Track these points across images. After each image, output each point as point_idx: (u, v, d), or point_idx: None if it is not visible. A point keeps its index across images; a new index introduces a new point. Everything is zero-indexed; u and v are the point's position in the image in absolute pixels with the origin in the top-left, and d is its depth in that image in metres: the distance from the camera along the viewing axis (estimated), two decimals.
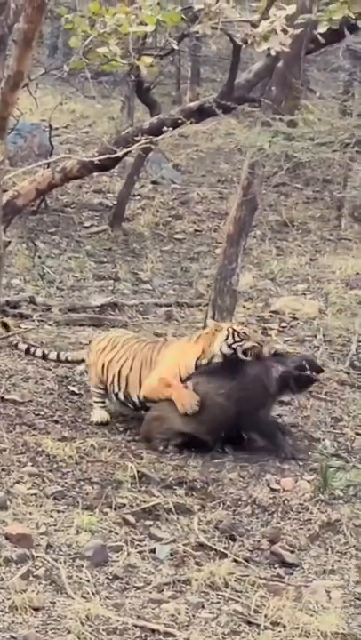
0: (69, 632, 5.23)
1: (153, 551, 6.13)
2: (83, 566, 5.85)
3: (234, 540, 6.37)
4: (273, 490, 7.04)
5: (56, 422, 7.78)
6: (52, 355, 8.57)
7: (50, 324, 9.97)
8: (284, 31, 6.67)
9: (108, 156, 8.86)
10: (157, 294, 11.36)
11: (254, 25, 7.08)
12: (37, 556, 5.86)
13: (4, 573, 5.68)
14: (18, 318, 10.01)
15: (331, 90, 19.08)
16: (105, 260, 12.33)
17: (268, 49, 6.89)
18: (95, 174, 13.67)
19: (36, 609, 5.39)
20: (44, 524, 6.23)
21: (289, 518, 6.72)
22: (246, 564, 6.11)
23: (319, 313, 10.84)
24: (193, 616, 5.53)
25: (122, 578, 5.83)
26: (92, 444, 7.35)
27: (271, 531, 6.53)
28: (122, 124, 15.86)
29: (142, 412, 7.92)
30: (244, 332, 7.69)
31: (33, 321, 9.98)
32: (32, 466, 6.95)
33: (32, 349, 8.64)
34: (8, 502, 6.37)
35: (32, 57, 7.15)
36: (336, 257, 12.83)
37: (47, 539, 6.07)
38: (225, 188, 15.34)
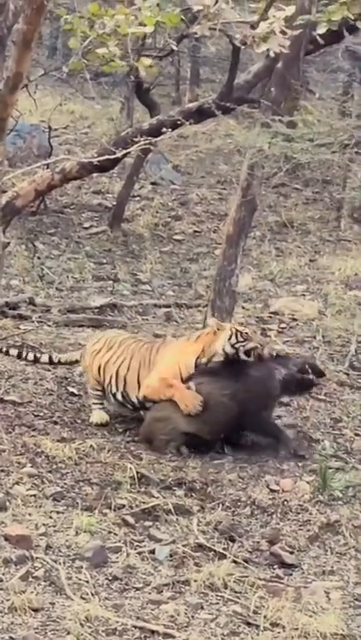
0: (69, 633, 5.23)
1: (152, 552, 6.14)
2: (82, 567, 5.85)
3: (233, 540, 6.37)
4: (272, 491, 7.04)
5: (55, 423, 7.78)
6: (45, 357, 8.57)
7: (49, 325, 9.98)
8: (284, 32, 6.67)
9: (107, 156, 8.85)
10: (157, 295, 11.36)
11: (253, 26, 7.09)
12: (37, 557, 5.86)
13: (3, 574, 5.68)
14: (17, 319, 10.01)
15: (330, 91, 19.08)
16: (104, 260, 12.33)
17: (268, 50, 6.89)
18: (94, 175, 13.67)
19: (36, 610, 5.39)
20: (44, 524, 6.23)
21: (288, 519, 6.73)
22: (246, 564, 6.12)
23: (318, 314, 10.84)
24: (192, 617, 5.53)
25: (121, 579, 5.83)
26: (91, 445, 7.35)
27: (270, 532, 6.53)
28: (121, 125, 15.85)
29: (141, 412, 7.93)
30: (246, 333, 7.71)
31: (32, 322, 9.98)
32: (31, 467, 6.95)
33: (23, 354, 8.62)
34: (7, 503, 6.37)
35: (31, 58, 7.15)
36: (335, 258, 12.83)
37: (46, 540, 6.07)
38: (224, 188, 15.33)
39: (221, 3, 6.69)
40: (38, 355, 8.63)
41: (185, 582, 5.86)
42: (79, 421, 7.91)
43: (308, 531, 6.58)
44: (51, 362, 8.54)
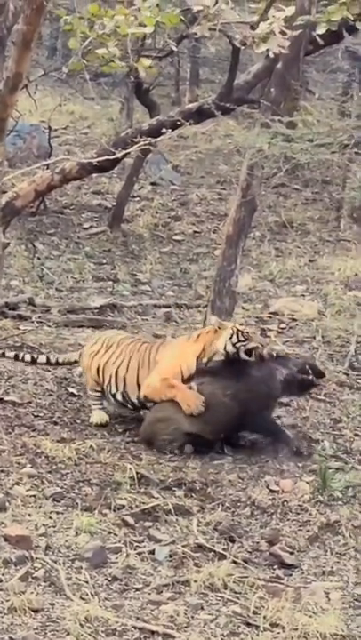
0: (68, 633, 5.23)
1: (152, 552, 6.14)
2: (82, 568, 5.85)
3: (233, 541, 6.38)
4: (272, 491, 7.04)
5: (55, 424, 7.78)
6: (42, 358, 8.53)
7: (49, 326, 9.98)
8: (283, 33, 6.67)
9: (107, 157, 8.85)
10: (156, 295, 11.36)
11: (253, 26, 7.09)
12: (36, 558, 5.86)
13: (2, 575, 5.67)
14: (17, 320, 10.01)
15: (330, 91, 19.09)
16: (104, 261, 12.33)
17: (267, 50, 6.89)
18: (94, 175, 13.68)
19: (35, 610, 5.39)
20: (43, 525, 6.23)
21: (288, 519, 6.73)
22: (245, 565, 6.12)
23: (318, 314, 10.85)
24: (192, 617, 5.53)
25: (121, 579, 5.83)
26: (91, 446, 7.35)
27: (270, 532, 6.53)
28: (121, 126, 15.86)
29: (141, 412, 7.93)
30: (247, 332, 7.73)
31: (32, 322, 9.98)
32: (31, 467, 6.95)
33: (20, 355, 8.59)
34: (7, 504, 6.37)
35: (31, 58, 7.15)
36: (335, 258, 12.83)
37: (46, 540, 6.07)
38: (224, 189, 15.34)
39: (221, 3, 6.69)
40: (35, 356, 8.60)
41: (185, 583, 5.86)
42: (79, 422, 7.91)
43: (308, 531, 6.58)
44: (48, 362, 8.52)
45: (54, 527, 6.24)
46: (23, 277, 11.36)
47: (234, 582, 5.88)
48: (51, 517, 6.34)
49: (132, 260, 12.46)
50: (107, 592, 5.70)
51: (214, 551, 6.21)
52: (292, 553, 6.32)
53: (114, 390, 7.94)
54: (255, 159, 8.64)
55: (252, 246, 12.77)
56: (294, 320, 10.65)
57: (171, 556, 6.11)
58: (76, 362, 8.38)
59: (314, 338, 10.15)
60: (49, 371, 8.65)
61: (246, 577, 5.95)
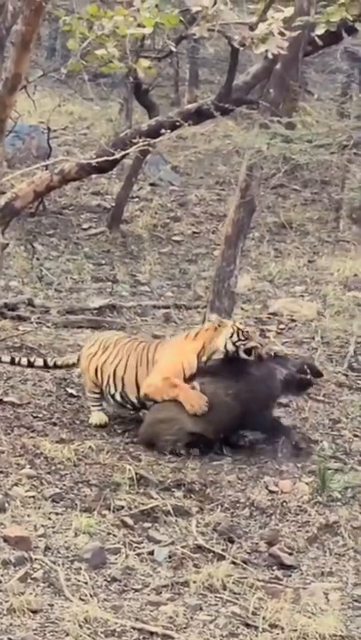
0: (67, 634, 5.23)
1: (151, 553, 6.13)
2: (81, 568, 5.85)
3: (232, 542, 6.37)
4: (271, 492, 7.04)
5: (54, 424, 7.78)
6: (39, 361, 8.46)
7: (48, 326, 9.98)
8: (282, 33, 6.66)
9: (106, 158, 8.84)
10: (156, 296, 11.36)
11: (252, 27, 7.08)
12: (35, 559, 5.86)
13: (2, 576, 5.67)
14: (16, 320, 10.00)
15: (329, 92, 19.08)
16: (103, 261, 12.33)
17: (266, 51, 6.88)
18: (93, 176, 13.67)
19: (34, 611, 5.39)
20: (43, 526, 6.23)
21: (287, 520, 6.73)
22: (244, 566, 6.12)
23: (317, 315, 10.85)
24: (191, 618, 5.53)
25: (120, 580, 5.83)
26: (90, 447, 7.35)
27: (269, 533, 6.53)
28: (120, 126, 15.85)
29: (141, 412, 7.92)
30: (247, 331, 7.74)
31: (31, 323, 9.98)
32: (30, 468, 6.94)
33: (17, 359, 8.49)
34: (6, 505, 6.37)
35: (30, 59, 7.16)
36: (334, 259, 12.83)
37: (45, 541, 6.07)
38: (223, 189, 15.34)
39: (220, 4, 6.68)
40: (32, 359, 8.51)
41: (184, 583, 5.86)
42: (78, 422, 7.90)
43: (307, 532, 6.58)
44: (46, 366, 8.46)
45: (53, 528, 6.24)
46: (22, 278, 11.36)
47: (233, 583, 5.88)
48: (50, 518, 6.34)
49: (132, 260, 12.46)
50: (106, 593, 5.70)
51: (213, 552, 6.21)
52: (291, 554, 6.32)
53: (112, 391, 7.93)
54: (254, 160, 8.64)
55: (251, 247, 12.77)
56: (293, 321, 10.65)
57: (170, 557, 6.11)
58: (74, 364, 8.36)
59: (313, 338, 10.15)
60: (48, 371, 8.65)
61: (245, 578, 5.95)
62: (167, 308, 10.83)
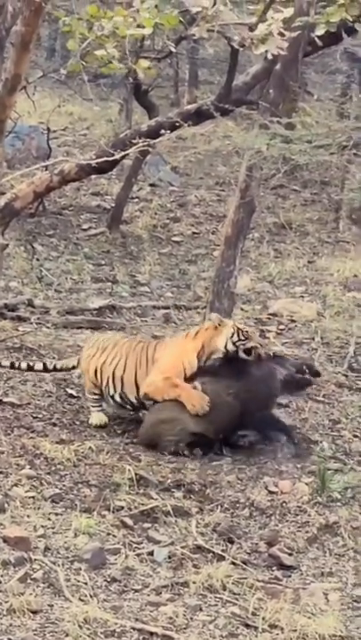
0: (67, 635, 5.23)
1: (151, 554, 6.13)
2: (81, 569, 5.85)
3: (232, 542, 6.37)
4: (271, 492, 7.04)
5: (54, 425, 7.78)
6: (39, 365, 8.42)
7: (48, 327, 9.98)
8: (282, 34, 6.66)
9: (105, 158, 8.83)
10: (155, 297, 11.37)
11: (252, 28, 7.07)
12: (35, 559, 5.86)
13: (1, 576, 5.67)
14: (16, 321, 10.00)
15: (328, 92, 19.07)
16: (103, 262, 12.33)
17: (266, 52, 6.88)
18: (93, 177, 13.67)
19: (34, 612, 5.39)
20: (42, 526, 6.23)
21: (287, 521, 6.73)
22: (244, 566, 6.12)
23: (317, 315, 10.85)
24: (191, 619, 5.53)
25: (120, 580, 5.83)
26: (90, 447, 7.35)
27: (269, 533, 6.53)
28: (120, 127, 15.86)
29: (141, 412, 7.92)
30: (246, 331, 7.75)
31: (31, 323, 9.98)
32: (30, 468, 6.94)
33: (16, 363, 8.46)
34: (6, 505, 6.37)
35: (30, 60, 7.15)
36: (334, 259, 12.83)
37: (45, 541, 6.07)
38: (223, 190, 15.34)
39: (220, 4, 6.68)
40: (32, 363, 8.48)
41: (184, 584, 5.86)
42: (78, 423, 7.90)
43: (307, 532, 6.58)
44: (45, 369, 8.42)
45: (53, 528, 6.24)
46: (22, 279, 11.36)
47: (233, 583, 5.88)
48: (50, 519, 6.34)
49: (131, 261, 12.46)
50: (106, 593, 5.70)
51: (213, 552, 6.21)
52: (290, 554, 6.32)
53: (112, 392, 7.93)
54: (254, 160, 8.64)
55: (250, 247, 12.77)
56: (293, 321, 10.66)
57: (170, 558, 6.11)
58: (74, 367, 8.33)
59: (313, 339, 10.16)
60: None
61: (245, 578, 5.95)
62: (167, 308, 10.83)
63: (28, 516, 6.31)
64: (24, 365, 8.43)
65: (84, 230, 13.35)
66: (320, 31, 8.54)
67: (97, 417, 7.93)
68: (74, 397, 8.32)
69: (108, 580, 5.83)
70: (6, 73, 6.91)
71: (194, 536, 6.35)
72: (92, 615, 5.36)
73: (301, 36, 8.52)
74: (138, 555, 6.11)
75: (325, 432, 8.13)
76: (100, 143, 11.40)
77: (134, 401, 7.89)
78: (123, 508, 6.60)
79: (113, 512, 6.53)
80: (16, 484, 6.69)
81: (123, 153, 8.30)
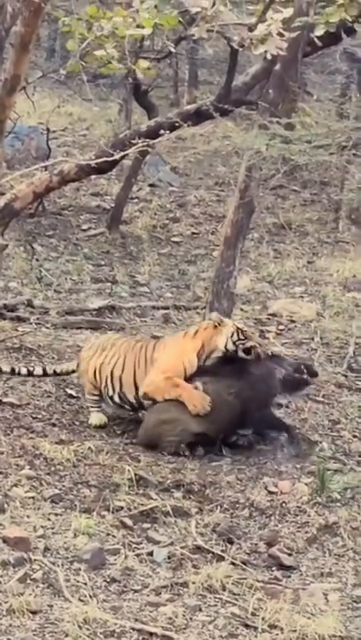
0: (67, 635, 5.23)
1: (150, 554, 6.14)
2: (80, 569, 5.85)
3: (231, 542, 6.37)
4: (270, 492, 7.04)
5: (54, 425, 7.78)
6: (38, 370, 8.33)
7: (47, 327, 9.97)
8: (281, 34, 6.67)
9: (105, 159, 8.83)
10: (155, 297, 11.37)
11: (251, 28, 7.08)
12: (35, 560, 5.86)
13: (1, 577, 5.67)
14: (15, 321, 10.00)
15: (328, 92, 19.07)
16: (102, 262, 12.33)
17: (265, 52, 6.89)
18: (93, 177, 13.66)
19: (34, 612, 5.39)
20: (42, 527, 6.23)
21: (286, 521, 6.73)
22: (244, 566, 6.12)
23: (317, 315, 10.85)
24: (190, 619, 5.53)
25: (119, 581, 5.83)
26: (89, 447, 7.35)
27: (269, 533, 6.53)
28: (119, 127, 15.85)
29: (140, 413, 7.91)
30: (246, 331, 7.77)
31: (30, 324, 9.98)
32: (30, 469, 6.94)
33: (16, 369, 8.34)
34: (5, 505, 6.37)
35: (29, 60, 7.16)
36: (334, 259, 12.84)
37: (45, 542, 6.07)
38: (222, 190, 15.34)
39: (219, 5, 6.69)
40: (32, 368, 8.39)
41: (183, 584, 5.86)
42: (77, 423, 7.90)
43: (307, 532, 6.58)
44: (45, 374, 8.35)
45: (53, 529, 6.24)
46: (22, 279, 11.36)
47: (232, 584, 5.88)
48: (49, 519, 6.34)
49: (131, 261, 12.46)
50: (105, 594, 5.70)
51: (213, 553, 6.21)
52: (290, 554, 6.32)
53: (111, 392, 7.93)
54: (253, 160, 8.64)
55: (250, 248, 12.77)
56: (293, 321, 10.66)
57: (169, 558, 6.11)
58: (73, 371, 8.29)
59: (312, 339, 10.16)
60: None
61: (245, 578, 5.95)
62: (166, 308, 10.83)
63: (27, 517, 6.31)
64: (24, 371, 8.33)
65: (84, 231, 13.35)
66: (319, 31, 8.54)
67: (96, 417, 7.93)
68: (73, 398, 8.32)
69: (108, 580, 5.83)
70: (6, 73, 6.92)
71: (193, 536, 6.35)
72: (91, 615, 5.36)
73: (301, 37, 8.52)
74: (137, 555, 6.11)
75: (325, 432, 8.13)
76: (99, 143, 11.40)
77: (133, 401, 7.88)
78: (122, 508, 6.60)
79: (112, 512, 6.53)
80: (16, 485, 6.69)
81: (122, 153, 8.30)
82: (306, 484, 7.12)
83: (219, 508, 6.79)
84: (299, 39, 8.43)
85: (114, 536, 6.27)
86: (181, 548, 6.20)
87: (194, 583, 5.84)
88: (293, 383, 7.90)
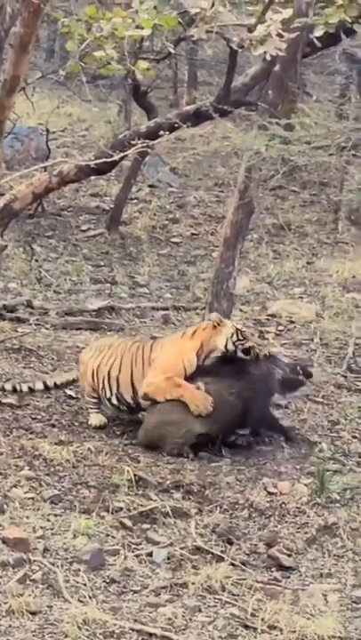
0: (66, 636, 5.23)
1: (150, 555, 6.14)
2: (80, 570, 5.85)
3: (231, 543, 6.38)
4: (270, 493, 7.04)
5: (53, 426, 7.77)
6: (39, 385, 8.17)
7: (47, 328, 9.98)
8: (281, 35, 6.67)
9: (104, 159, 8.83)
10: (154, 298, 11.37)
11: (251, 29, 7.08)
12: (34, 560, 5.86)
13: (0, 577, 5.68)
14: (15, 322, 10.00)
15: (327, 93, 19.08)
16: (102, 263, 12.33)
17: (265, 53, 6.90)
18: (92, 178, 13.64)
19: (33, 613, 5.39)
20: (41, 527, 6.23)
21: (286, 522, 6.73)
22: (243, 567, 6.12)
23: (316, 316, 10.85)
24: (190, 620, 5.53)
25: (119, 581, 5.83)
26: (89, 448, 7.35)
27: (268, 534, 6.53)
28: (119, 128, 15.84)
29: (139, 414, 7.90)
30: (245, 332, 7.80)
31: (30, 325, 9.98)
32: (29, 470, 6.94)
33: (18, 387, 8.16)
34: (5, 506, 6.37)
35: (28, 61, 7.16)
36: (333, 260, 12.84)
37: (44, 542, 6.07)
38: (222, 191, 15.34)
39: (218, 5, 6.69)
40: (32, 385, 8.20)
41: (183, 585, 5.86)
42: (77, 424, 7.90)
43: (306, 533, 6.58)
44: (46, 387, 8.20)
45: (52, 530, 6.24)
46: (21, 280, 11.36)
47: (232, 584, 5.88)
48: (49, 520, 6.34)
49: (130, 262, 12.46)
50: (105, 594, 5.70)
51: (212, 553, 6.21)
52: (290, 555, 6.32)
53: (108, 394, 7.92)
54: (253, 161, 8.64)
55: (249, 248, 12.77)
56: (292, 322, 10.66)
57: (169, 559, 6.11)
58: (74, 380, 8.23)
59: (312, 340, 10.16)
60: (47, 373, 8.65)
61: (244, 579, 5.95)
62: (166, 309, 10.84)
63: (27, 517, 6.31)
64: (25, 387, 8.16)
65: (83, 231, 13.35)
66: (319, 32, 8.56)
67: (96, 418, 7.93)
68: (73, 398, 8.32)
69: (107, 581, 5.83)
70: (5, 74, 6.92)
71: (193, 537, 6.35)
72: (91, 616, 5.36)
73: (300, 37, 8.53)
74: (137, 556, 6.11)
75: (324, 433, 8.13)
76: (99, 144, 11.41)
77: (131, 402, 7.87)
78: (122, 509, 6.60)
79: (112, 513, 6.53)
80: (15, 485, 6.69)
81: (122, 154, 8.30)
82: (305, 485, 7.12)
83: (218, 508, 6.79)
84: (298, 40, 8.43)
85: (113, 537, 6.27)
86: (181, 548, 6.20)
87: (193, 584, 5.84)
88: (289, 384, 7.92)
